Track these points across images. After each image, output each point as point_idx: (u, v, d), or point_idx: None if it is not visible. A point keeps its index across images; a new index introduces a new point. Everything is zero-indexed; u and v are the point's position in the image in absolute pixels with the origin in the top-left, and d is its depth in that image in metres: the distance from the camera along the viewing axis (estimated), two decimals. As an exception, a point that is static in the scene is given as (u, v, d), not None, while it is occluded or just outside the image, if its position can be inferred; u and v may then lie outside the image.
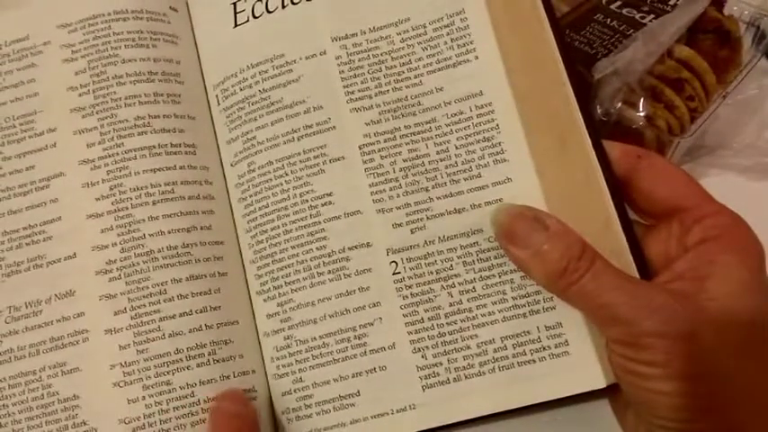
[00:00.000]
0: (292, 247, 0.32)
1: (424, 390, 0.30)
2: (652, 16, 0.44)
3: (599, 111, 0.41)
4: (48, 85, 0.34)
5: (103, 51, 0.34)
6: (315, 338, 0.31)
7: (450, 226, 0.31)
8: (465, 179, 0.31)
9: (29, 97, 0.34)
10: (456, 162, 0.31)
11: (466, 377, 0.30)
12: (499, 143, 0.31)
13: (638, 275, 0.29)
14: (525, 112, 0.31)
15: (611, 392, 0.29)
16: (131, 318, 0.31)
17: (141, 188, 0.32)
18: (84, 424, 0.30)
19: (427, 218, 0.31)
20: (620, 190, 0.30)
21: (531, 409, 0.29)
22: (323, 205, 0.32)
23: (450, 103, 0.32)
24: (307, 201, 0.32)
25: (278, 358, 0.32)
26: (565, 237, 0.28)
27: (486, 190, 0.31)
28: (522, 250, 0.29)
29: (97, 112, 0.34)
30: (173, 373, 0.31)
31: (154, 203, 0.32)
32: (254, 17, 0.35)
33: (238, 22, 0.35)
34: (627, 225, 0.30)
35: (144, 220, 0.32)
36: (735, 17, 0.45)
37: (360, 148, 0.32)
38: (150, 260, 0.32)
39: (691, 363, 0.25)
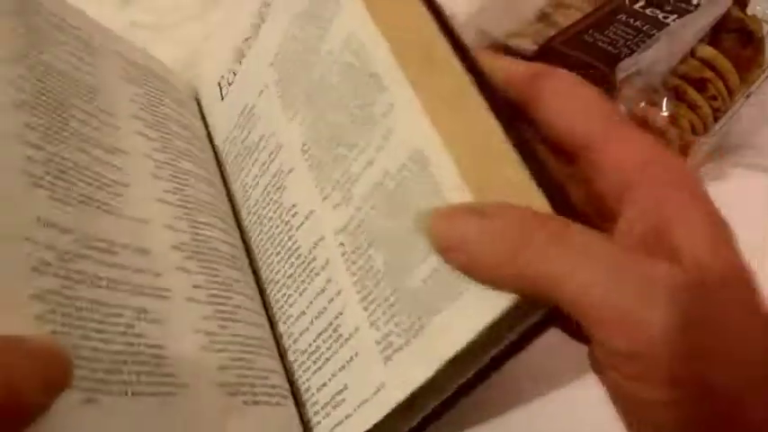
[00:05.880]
0: (279, 264, 0.33)
1: (385, 363, 0.27)
2: (675, 16, 0.45)
3: (622, 110, 0.41)
4: None
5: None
6: (310, 344, 0.31)
7: (366, 182, 0.28)
8: (368, 132, 0.28)
9: None
10: (353, 113, 0.29)
11: (415, 337, 0.26)
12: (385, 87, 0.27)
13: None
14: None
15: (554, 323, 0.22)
16: (208, 296, 0.30)
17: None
18: (171, 376, 0.26)
19: (351, 185, 0.29)
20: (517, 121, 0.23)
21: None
22: (292, 216, 0.32)
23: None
24: (281, 217, 0.33)
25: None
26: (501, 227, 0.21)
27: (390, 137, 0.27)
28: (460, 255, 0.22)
29: None
30: (253, 354, 0.30)
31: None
32: (229, 84, 0.40)
33: (223, 95, 0.40)
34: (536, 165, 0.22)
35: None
36: (758, 17, 0.45)
37: (302, 152, 0.32)
38: (218, 257, 0.32)
39: (676, 364, 0.19)
